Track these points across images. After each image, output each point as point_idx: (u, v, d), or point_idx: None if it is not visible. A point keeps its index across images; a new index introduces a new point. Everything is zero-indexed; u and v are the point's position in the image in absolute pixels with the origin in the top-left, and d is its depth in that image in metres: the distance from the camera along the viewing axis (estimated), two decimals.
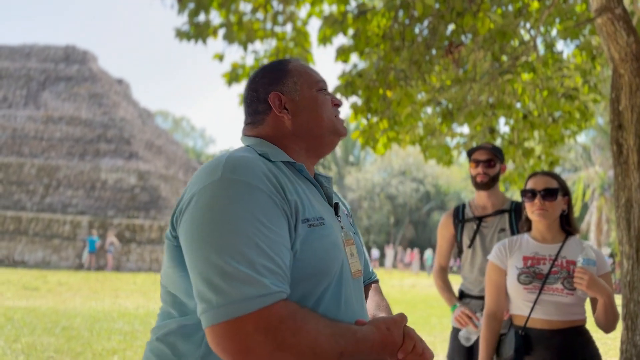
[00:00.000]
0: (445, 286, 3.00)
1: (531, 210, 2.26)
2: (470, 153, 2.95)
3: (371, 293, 1.45)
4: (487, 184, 2.86)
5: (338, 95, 4.75)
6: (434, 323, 9.92)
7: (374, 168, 41.73)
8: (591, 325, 2.23)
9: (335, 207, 1.28)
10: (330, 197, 1.29)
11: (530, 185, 2.27)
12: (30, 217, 20.79)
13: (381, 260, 35.83)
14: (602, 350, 2.28)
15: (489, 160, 2.86)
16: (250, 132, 1.28)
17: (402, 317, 1.14)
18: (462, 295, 2.93)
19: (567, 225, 2.30)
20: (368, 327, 1.08)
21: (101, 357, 5.70)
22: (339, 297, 1.14)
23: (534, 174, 2.32)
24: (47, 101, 26.75)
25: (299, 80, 1.28)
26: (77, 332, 7.10)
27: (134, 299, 11.55)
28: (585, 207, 27.80)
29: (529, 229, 2.35)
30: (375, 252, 33.64)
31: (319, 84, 1.30)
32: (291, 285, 1.03)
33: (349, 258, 1.21)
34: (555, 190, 2.23)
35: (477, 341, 2.70)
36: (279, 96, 1.25)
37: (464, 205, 3.02)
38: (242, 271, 0.95)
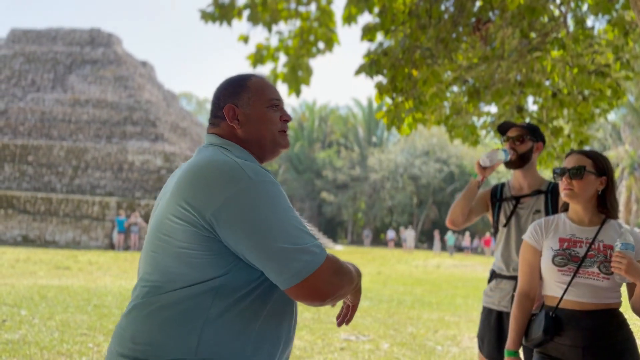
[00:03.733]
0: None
1: (561, 188, 2.20)
2: (500, 130, 2.88)
3: None
4: (515, 162, 2.79)
5: (362, 76, 4.71)
6: (458, 303, 9.92)
7: (397, 149, 41.44)
8: (626, 310, 2.19)
9: None
10: None
11: (565, 163, 2.21)
12: (60, 199, 21.28)
13: (397, 241, 35.79)
14: None
15: (518, 136, 2.78)
16: (212, 131, 1.52)
17: None
18: (494, 276, 2.90)
19: (603, 207, 2.21)
20: None
21: None
22: None
23: (570, 152, 2.24)
24: (73, 84, 27.15)
25: (253, 96, 1.50)
26: (108, 310, 7.29)
27: None
28: None
29: (567, 209, 2.28)
30: (390, 233, 33.57)
31: (272, 102, 1.51)
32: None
33: None
34: (581, 168, 2.14)
35: (507, 320, 2.69)
36: (233, 108, 1.49)
37: (502, 185, 2.96)
38: (305, 239, 1.31)
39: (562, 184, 2.19)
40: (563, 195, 2.19)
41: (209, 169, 1.33)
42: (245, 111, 1.49)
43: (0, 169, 23.04)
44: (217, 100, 1.53)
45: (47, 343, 5.24)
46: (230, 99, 1.50)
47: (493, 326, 2.81)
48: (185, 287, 1.32)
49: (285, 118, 1.54)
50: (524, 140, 2.79)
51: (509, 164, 2.83)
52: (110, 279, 11.25)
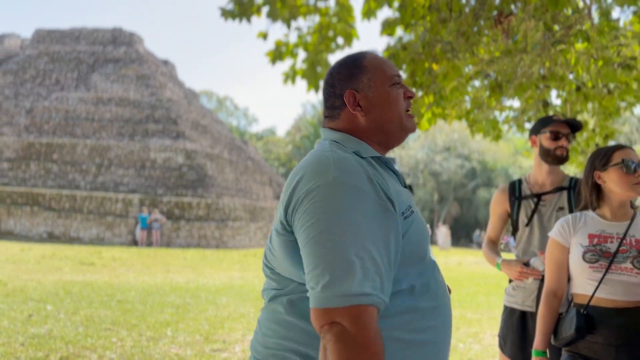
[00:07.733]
0: (491, 251, 2.88)
1: (630, 183, 2.11)
2: (547, 123, 2.74)
3: None
4: (565, 158, 2.72)
5: None
6: (480, 300, 9.82)
7: (417, 145, 41.20)
8: None
9: (411, 189, 1.37)
10: (404, 180, 1.39)
11: (625, 156, 2.13)
12: (84, 196, 21.63)
13: None
14: None
15: (569, 135, 2.70)
16: (329, 125, 1.36)
17: None
18: None
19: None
20: None
21: (155, 330, 5.93)
22: (438, 277, 1.28)
23: (620, 147, 2.18)
24: (96, 83, 27.54)
25: (373, 76, 1.33)
26: (131, 305, 7.39)
27: (184, 274, 11.91)
28: None
29: (597, 207, 2.22)
30: None
31: (393, 79, 1.34)
32: (401, 271, 1.18)
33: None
34: None
35: (531, 319, 2.64)
36: (353, 94, 1.32)
37: (519, 181, 2.86)
38: (352, 269, 1.06)
39: (633, 179, 2.11)
40: (633, 191, 2.12)
41: (299, 168, 1.21)
42: (367, 95, 1.31)
43: (26, 167, 23.51)
44: (332, 88, 1.35)
45: (72, 337, 5.33)
46: (347, 83, 1.33)
47: (516, 326, 2.75)
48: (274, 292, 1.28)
49: (409, 94, 1.37)
50: (573, 137, 2.73)
51: (560, 160, 2.71)
52: (134, 274, 11.40)
